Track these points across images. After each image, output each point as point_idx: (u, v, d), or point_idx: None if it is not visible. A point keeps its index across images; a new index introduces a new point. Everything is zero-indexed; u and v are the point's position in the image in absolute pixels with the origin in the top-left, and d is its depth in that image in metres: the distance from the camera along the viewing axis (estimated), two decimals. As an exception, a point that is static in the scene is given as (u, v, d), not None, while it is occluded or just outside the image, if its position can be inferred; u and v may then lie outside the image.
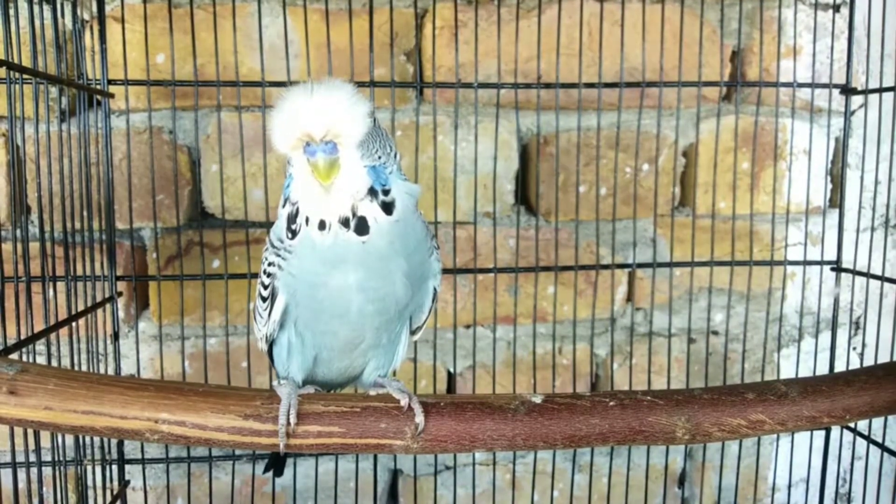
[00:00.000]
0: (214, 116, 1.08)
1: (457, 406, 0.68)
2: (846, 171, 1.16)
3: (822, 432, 1.18)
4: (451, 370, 1.19)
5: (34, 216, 1.04)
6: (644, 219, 1.18)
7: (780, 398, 0.69)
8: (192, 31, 1.02)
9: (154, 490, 1.15)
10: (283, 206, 0.69)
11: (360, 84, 1.03)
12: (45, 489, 0.95)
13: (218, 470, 1.15)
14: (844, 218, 1.15)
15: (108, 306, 1.02)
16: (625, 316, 1.21)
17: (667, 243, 1.18)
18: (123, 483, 1.07)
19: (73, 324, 0.92)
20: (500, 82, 1.07)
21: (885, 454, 1.07)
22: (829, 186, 1.20)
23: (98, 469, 1.03)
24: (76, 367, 0.93)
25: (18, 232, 0.84)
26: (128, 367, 1.10)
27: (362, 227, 0.65)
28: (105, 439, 1.02)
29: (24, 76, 0.81)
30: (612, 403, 0.68)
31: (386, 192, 0.66)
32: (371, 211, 0.65)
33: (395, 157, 0.69)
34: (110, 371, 1.04)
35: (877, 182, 1.22)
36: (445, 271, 0.92)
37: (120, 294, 1.06)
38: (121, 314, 1.08)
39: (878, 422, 1.21)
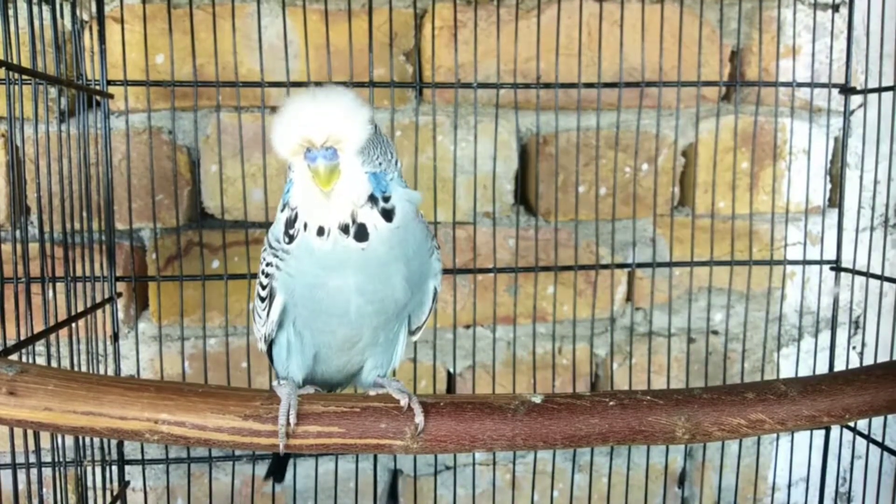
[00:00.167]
0: (214, 117, 1.08)
1: (456, 406, 0.68)
2: (845, 171, 1.16)
3: (822, 431, 1.18)
4: (451, 370, 1.19)
5: (34, 217, 1.04)
6: (643, 219, 1.18)
7: (779, 398, 0.69)
8: (192, 32, 1.02)
9: (154, 491, 1.15)
10: (282, 210, 0.69)
11: (360, 84, 1.03)
12: (44, 490, 0.95)
13: (218, 470, 1.15)
14: (844, 217, 1.15)
15: (107, 307, 1.02)
16: (624, 316, 1.21)
17: (666, 243, 1.18)
18: (123, 484, 1.07)
19: (73, 325, 0.92)
20: (500, 82, 1.07)
21: (885, 453, 1.07)
22: (829, 186, 1.20)
23: (98, 470, 1.03)
24: (76, 368, 0.93)
25: (18, 233, 0.84)
26: (127, 368, 1.10)
27: (362, 233, 0.65)
28: (105, 440, 1.02)
29: (24, 77, 0.81)
30: (611, 403, 0.68)
31: (386, 199, 0.66)
32: (371, 218, 0.65)
33: (396, 163, 0.69)
34: (110, 372, 1.04)
35: (876, 181, 1.22)
36: (445, 271, 0.92)
37: (119, 295, 1.06)
38: (120, 315, 1.08)
39: (877, 421, 1.21)
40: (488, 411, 0.67)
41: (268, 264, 0.71)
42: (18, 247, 0.81)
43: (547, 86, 1.08)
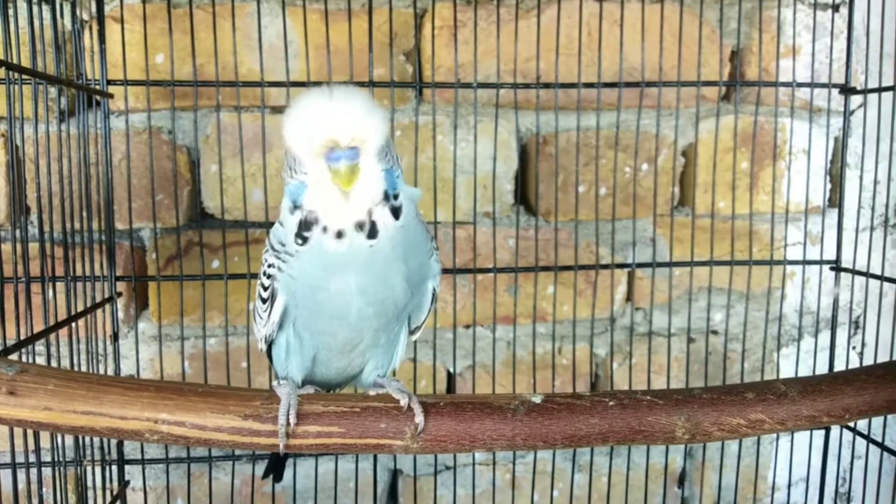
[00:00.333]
0: (214, 117, 1.08)
1: (456, 406, 0.68)
2: (845, 171, 1.16)
3: (822, 431, 1.18)
4: (451, 370, 1.19)
5: (34, 216, 1.04)
6: (643, 218, 1.18)
7: (779, 398, 0.69)
8: (192, 32, 1.02)
9: (154, 490, 1.15)
10: (292, 212, 0.67)
11: (360, 84, 1.03)
12: (44, 490, 0.95)
13: (218, 470, 1.15)
14: (844, 217, 1.15)
15: (107, 307, 1.02)
16: (624, 316, 1.21)
17: (666, 243, 1.18)
18: (123, 483, 1.07)
19: (73, 324, 0.92)
20: (500, 82, 1.07)
21: (885, 453, 1.07)
22: (829, 186, 1.20)
23: (98, 469, 1.03)
24: (76, 368, 0.93)
25: (18, 232, 0.84)
26: (127, 368, 1.10)
27: (373, 231, 0.65)
28: (105, 440, 1.02)
29: (24, 76, 0.81)
30: (611, 403, 0.68)
31: (395, 197, 0.66)
32: (382, 216, 0.65)
33: (398, 160, 0.69)
34: (110, 371, 1.04)
35: (876, 181, 1.22)
36: (445, 271, 0.92)
37: (119, 294, 1.06)
38: (120, 315, 1.08)
39: (877, 421, 1.21)
40: (488, 411, 0.67)
41: (270, 266, 0.71)
42: (18, 246, 0.81)
43: (547, 86, 1.08)
